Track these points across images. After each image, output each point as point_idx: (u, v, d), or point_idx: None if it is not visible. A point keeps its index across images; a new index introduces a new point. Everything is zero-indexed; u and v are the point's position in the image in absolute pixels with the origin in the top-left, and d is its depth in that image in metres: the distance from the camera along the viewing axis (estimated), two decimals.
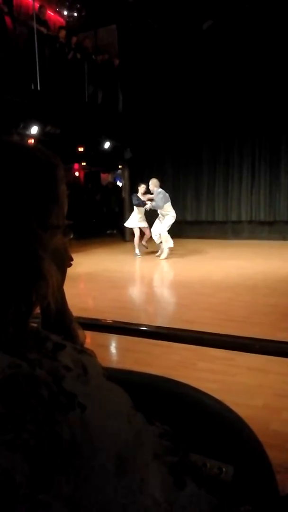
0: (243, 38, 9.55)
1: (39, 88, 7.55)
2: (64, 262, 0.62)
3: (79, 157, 12.25)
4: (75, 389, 0.49)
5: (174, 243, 8.33)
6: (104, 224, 13.58)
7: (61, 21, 11.11)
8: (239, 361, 2.77)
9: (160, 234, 8.12)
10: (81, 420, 0.46)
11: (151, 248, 8.67)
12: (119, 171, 12.67)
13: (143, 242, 8.58)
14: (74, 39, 9.22)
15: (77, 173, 15.19)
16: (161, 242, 8.20)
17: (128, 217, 8.77)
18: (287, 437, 2.00)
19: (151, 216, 8.64)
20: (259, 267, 6.72)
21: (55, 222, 0.56)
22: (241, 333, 1.20)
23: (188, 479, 0.60)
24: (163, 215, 8.24)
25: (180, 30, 9.72)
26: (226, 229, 11.12)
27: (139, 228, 8.46)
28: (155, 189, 8.18)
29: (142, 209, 8.31)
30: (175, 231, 10.88)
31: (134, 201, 8.36)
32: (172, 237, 8.71)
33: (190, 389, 0.94)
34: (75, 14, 11.39)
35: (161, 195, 8.08)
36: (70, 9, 11.33)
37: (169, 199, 8.32)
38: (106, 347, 3.30)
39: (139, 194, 8.34)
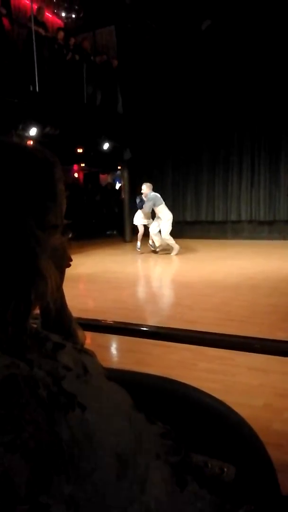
0: (242, 38, 9.55)
1: (37, 89, 7.55)
2: (63, 262, 0.61)
3: (78, 158, 12.26)
4: (75, 389, 0.48)
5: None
6: (104, 224, 13.57)
7: (59, 22, 11.12)
8: (239, 361, 2.77)
9: (156, 238, 8.46)
10: (81, 420, 0.46)
11: (151, 248, 8.68)
12: (119, 172, 12.66)
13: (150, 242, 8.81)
14: (72, 40, 9.24)
15: (76, 174, 15.19)
16: (159, 244, 8.47)
17: (128, 218, 8.98)
18: None
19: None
20: (259, 267, 6.72)
21: (54, 221, 0.56)
22: (242, 333, 1.20)
23: (190, 479, 0.60)
24: (159, 217, 8.41)
25: (178, 30, 9.73)
26: (226, 229, 11.12)
27: (143, 225, 8.85)
28: (149, 192, 8.38)
29: None
30: (175, 232, 10.85)
31: (137, 202, 8.64)
32: (172, 237, 8.72)
33: (190, 389, 0.94)
34: (73, 16, 11.40)
35: (150, 202, 8.36)
36: (68, 11, 11.35)
37: (163, 201, 8.48)
38: (107, 348, 3.29)
39: (143, 196, 8.52)
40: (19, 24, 8.15)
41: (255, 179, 10.65)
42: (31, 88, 7.52)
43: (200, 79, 10.24)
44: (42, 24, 8.32)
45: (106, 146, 10.09)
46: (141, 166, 11.33)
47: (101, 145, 10.04)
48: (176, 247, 8.37)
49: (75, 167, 14.60)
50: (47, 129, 7.90)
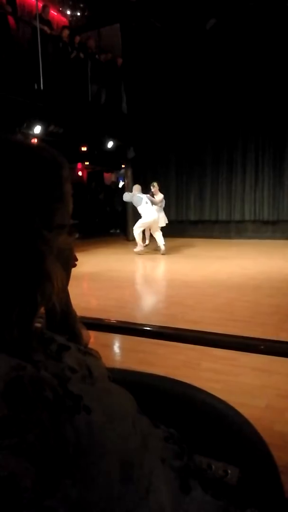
0: (247, 37, 9.52)
1: (42, 87, 7.55)
2: (69, 262, 0.61)
3: (82, 157, 12.26)
4: (80, 391, 0.48)
5: (177, 243, 8.37)
6: (108, 223, 13.58)
7: (64, 20, 11.12)
8: (243, 361, 2.76)
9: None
10: (87, 423, 0.46)
11: (152, 246, 8.67)
12: (122, 170, 12.66)
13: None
14: (77, 38, 9.23)
15: (80, 173, 15.20)
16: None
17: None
18: None
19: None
20: (262, 267, 6.70)
21: (60, 221, 0.55)
22: (245, 333, 1.19)
23: (194, 483, 0.60)
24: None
25: (183, 29, 9.70)
26: (229, 229, 11.10)
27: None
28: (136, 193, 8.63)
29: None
30: (179, 231, 10.90)
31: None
32: (176, 236, 8.73)
33: (193, 389, 0.94)
34: (78, 14, 11.40)
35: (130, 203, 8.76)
36: (73, 9, 11.35)
37: (143, 202, 8.50)
38: (110, 347, 3.29)
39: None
40: (24, 22, 8.15)
41: (259, 179, 10.62)
42: (36, 87, 7.53)
43: (205, 78, 10.21)
44: (47, 22, 8.33)
45: (110, 144, 10.09)
46: (145, 165, 11.32)
47: (105, 143, 10.04)
48: (140, 245, 8.50)
49: (79, 165, 14.60)
50: (51, 127, 7.91)
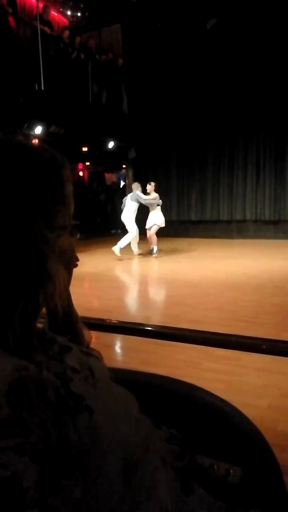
0: (248, 36, 9.52)
1: (43, 88, 7.56)
2: (71, 263, 0.61)
3: (83, 157, 12.28)
4: (83, 391, 0.48)
5: (179, 243, 8.29)
6: (109, 224, 13.58)
7: (65, 21, 11.13)
8: (245, 361, 2.76)
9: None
10: (89, 423, 0.46)
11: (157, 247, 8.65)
12: (123, 171, 12.67)
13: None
14: (78, 39, 9.24)
15: (81, 173, 15.21)
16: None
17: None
18: None
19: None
20: (264, 267, 6.70)
21: (62, 222, 0.55)
22: (247, 333, 1.19)
23: (196, 484, 0.59)
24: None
25: (184, 29, 9.70)
26: (231, 229, 11.10)
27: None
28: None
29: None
30: (180, 231, 10.91)
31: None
32: (177, 236, 8.70)
33: (196, 389, 0.94)
34: (79, 14, 11.40)
35: None
36: (73, 9, 11.35)
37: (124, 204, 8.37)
38: (112, 347, 3.29)
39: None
40: (25, 23, 8.17)
41: (260, 178, 10.62)
42: (37, 87, 7.54)
43: (205, 78, 10.22)
44: (47, 23, 8.34)
45: (111, 145, 10.10)
46: (146, 165, 11.33)
47: (106, 144, 10.04)
48: (117, 247, 8.13)
49: (80, 166, 14.61)
50: (52, 128, 7.92)
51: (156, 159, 11.45)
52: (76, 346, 0.59)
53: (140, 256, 8.28)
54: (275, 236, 10.36)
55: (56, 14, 10.58)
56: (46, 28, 8.04)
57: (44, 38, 7.73)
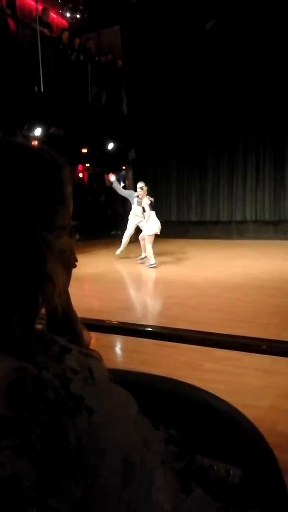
0: (247, 37, 9.52)
1: (42, 90, 7.57)
2: (70, 263, 0.61)
3: (83, 158, 12.28)
4: (82, 392, 0.48)
5: (179, 244, 8.18)
6: (109, 225, 13.58)
7: (64, 23, 11.14)
8: (245, 362, 2.76)
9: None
10: (88, 424, 0.46)
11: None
12: (123, 172, 12.67)
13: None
14: (77, 40, 9.25)
15: (81, 174, 15.22)
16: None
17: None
18: None
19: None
20: (264, 267, 6.70)
21: (61, 223, 0.55)
22: (247, 334, 1.19)
23: (195, 484, 0.59)
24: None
25: (183, 30, 9.72)
26: (231, 229, 11.10)
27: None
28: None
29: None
30: (180, 232, 10.90)
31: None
32: (177, 237, 8.68)
33: (196, 390, 0.94)
34: (78, 16, 11.42)
35: None
36: (73, 11, 11.36)
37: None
38: (112, 348, 3.29)
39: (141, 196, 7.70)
40: (24, 25, 8.18)
41: (260, 179, 10.62)
42: (36, 89, 7.55)
43: (205, 79, 10.23)
44: (47, 24, 8.35)
45: (110, 146, 10.10)
46: (145, 166, 11.33)
47: (106, 145, 10.05)
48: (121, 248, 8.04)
49: (80, 167, 14.62)
50: (52, 129, 7.92)
51: (156, 160, 11.45)
52: (75, 347, 0.59)
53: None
54: (275, 236, 10.36)
55: (55, 16, 10.60)
56: (45, 30, 8.05)
57: (43, 40, 7.74)
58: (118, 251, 8.10)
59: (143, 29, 10.22)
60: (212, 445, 0.79)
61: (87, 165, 14.05)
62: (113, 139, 10.06)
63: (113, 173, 8.73)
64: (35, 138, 7.66)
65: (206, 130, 10.74)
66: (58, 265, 0.53)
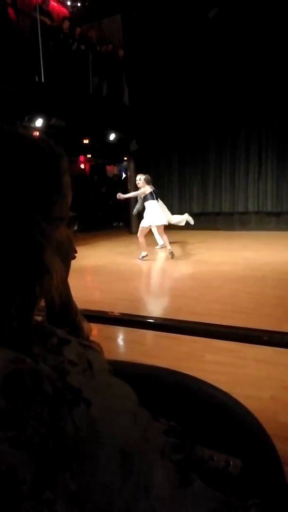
0: (250, 26, 9.40)
1: (43, 80, 7.51)
2: (69, 255, 0.61)
3: (85, 149, 12.22)
4: (80, 384, 0.48)
5: (180, 235, 8.11)
6: (110, 216, 13.56)
7: (65, 11, 11.00)
8: (247, 353, 2.76)
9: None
10: (86, 416, 0.46)
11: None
12: (125, 163, 12.61)
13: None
14: (78, 30, 9.14)
15: (82, 166, 15.15)
16: None
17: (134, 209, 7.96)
18: None
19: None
20: (266, 258, 6.68)
21: (59, 213, 0.55)
22: (249, 325, 1.19)
23: (194, 476, 0.59)
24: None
25: (185, 18, 9.59)
26: (233, 220, 11.06)
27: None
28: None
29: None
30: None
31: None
32: (178, 229, 8.66)
33: (197, 381, 0.94)
34: (79, 4, 11.28)
35: None
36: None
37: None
38: (114, 340, 3.30)
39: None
40: (24, 14, 8.08)
41: (262, 170, 10.55)
42: (37, 79, 7.48)
43: (207, 68, 10.12)
44: (47, 13, 8.25)
45: (112, 137, 10.04)
46: (147, 157, 11.27)
47: (107, 136, 9.99)
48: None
49: (81, 158, 14.55)
50: (53, 120, 7.87)
51: (157, 151, 11.38)
52: (75, 339, 0.59)
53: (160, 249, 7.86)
54: (278, 228, 10.32)
55: (55, 5, 10.47)
56: (45, 19, 7.95)
57: (44, 29, 7.65)
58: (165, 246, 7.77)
59: (144, 17, 10.09)
60: (212, 436, 0.79)
61: (89, 156, 13.98)
62: (114, 130, 9.99)
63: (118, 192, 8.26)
64: (36, 129, 7.61)
65: (208, 120, 10.65)
66: (55, 256, 0.52)
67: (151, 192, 7.22)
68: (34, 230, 0.50)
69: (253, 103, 10.08)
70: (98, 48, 9.76)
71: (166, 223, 7.36)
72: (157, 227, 7.27)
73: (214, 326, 1.18)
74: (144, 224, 7.18)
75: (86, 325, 0.73)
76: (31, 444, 0.39)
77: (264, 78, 9.70)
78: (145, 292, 5.49)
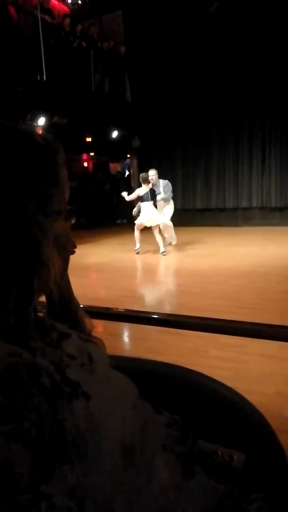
0: (251, 20, 9.33)
1: (45, 78, 7.50)
2: (66, 248, 0.60)
3: (87, 147, 12.21)
4: (79, 378, 0.48)
5: (184, 231, 8.08)
6: (114, 214, 13.55)
7: (65, 9, 10.98)
8: (251, 348, 2.76)
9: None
10: (86, 409, 0.46)
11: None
12: (128, 160, 12.59)
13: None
14: (79, 27, 9.13)
15: (85, 163, 15.15)
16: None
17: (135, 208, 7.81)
18: None
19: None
20: (271, 254, 6.66)
21: (57, 207, 0.54)
22: (253, 320, 1.18)
23: (197, 468, 0.59)
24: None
25: (186, 13, 9.54)
26: (237, 216, 11.03)
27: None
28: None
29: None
30: (185, 219, 10.85)
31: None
32: (182, 225, 8.64)
33: (201, 376, 0.93)
34: (79, 1, 11.24)
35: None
36: None
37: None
38: (118, 336, 3.31)
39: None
40: (25, 12, 8.06)
41: (266, 165, 10.51)
42: (38, 77, 7.47)
43: (209, 64, 10.07)
44: (48, 11, 8.24)
45: (115, 134, 10.03)
46: (150, 154, 11.25)
47: (110, 133, 9.97)
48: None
49: (84, 156, 14.55)
50: (55, 118, 7.87)
51: (160, 148, 11.36)
52: (75, 333, 0.59)
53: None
54: (282, 223, 10.28)
55: (56, 2, 10.45)
56: (46, 17, 7.95)
57: (45, 27, 7.64)
58: (172, 241, 7.85)
59: (145, 13, 10.04)
60: (216, 431, 0.79)
61: (92, 154, 13.97)
62: (117, 127, 9.98)
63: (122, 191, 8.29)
64: (39, 127, 7.62)
65: (211, 116, 10.61)
66: (53, 250, 0.52)
67: (147, 192, 7.20)
68: (31, 223, 0.49)
69: (256, 97, 10.03)
70: (99, 45, 9.74)
71: (155, 224, 7.27)
72: (152, 227, 7.25)
73: (219, 321, 1.17)
74: (138, 220, 7.28)
75: (87, 320, 0.72)
76: (28, 437, 0.39)
77: (267, 73, 9.64)
78: (149, 288, 5.49)
